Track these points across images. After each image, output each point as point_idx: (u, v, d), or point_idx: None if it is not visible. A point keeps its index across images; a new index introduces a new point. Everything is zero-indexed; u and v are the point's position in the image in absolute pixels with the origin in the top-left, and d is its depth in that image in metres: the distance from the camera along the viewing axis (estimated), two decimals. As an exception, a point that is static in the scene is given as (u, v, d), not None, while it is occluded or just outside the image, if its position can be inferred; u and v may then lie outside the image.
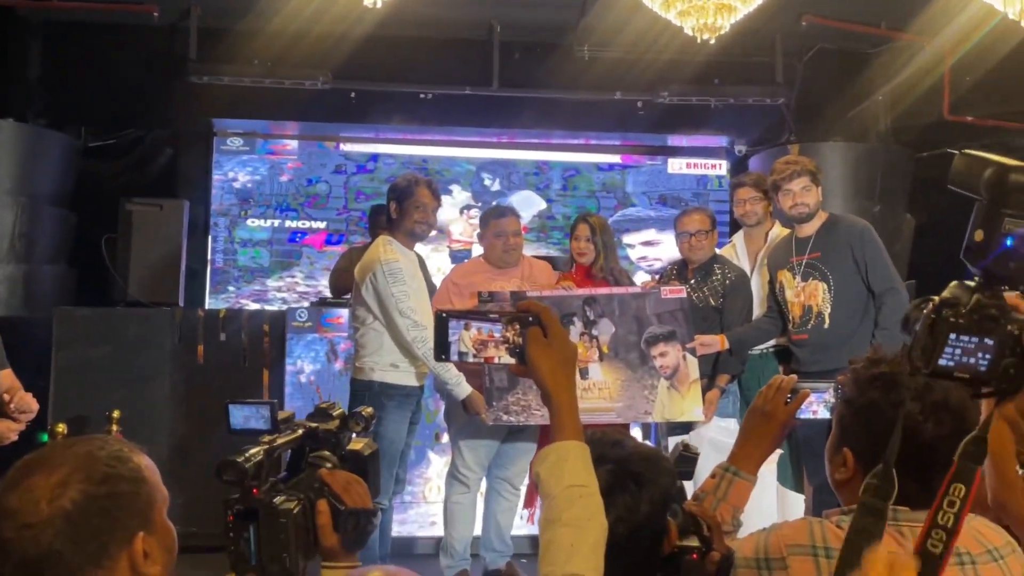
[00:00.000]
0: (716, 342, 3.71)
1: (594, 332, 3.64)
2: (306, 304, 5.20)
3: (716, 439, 3.55)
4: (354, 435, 1.46)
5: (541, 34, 5.58)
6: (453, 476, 3.93)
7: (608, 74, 5.53)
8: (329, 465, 1.35)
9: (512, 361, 1.21)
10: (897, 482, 1.19)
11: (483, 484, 4.05)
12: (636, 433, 4.40)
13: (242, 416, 1.38)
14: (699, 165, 6.23)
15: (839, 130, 5.65)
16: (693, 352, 3.61)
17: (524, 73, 5.58)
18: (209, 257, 5.77)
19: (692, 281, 3.89)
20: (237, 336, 4.69)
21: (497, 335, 1.21)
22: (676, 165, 6.21)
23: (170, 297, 4.85)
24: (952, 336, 0.90)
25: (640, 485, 1.24)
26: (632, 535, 1.21)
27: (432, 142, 6.03)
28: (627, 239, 6.11)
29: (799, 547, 1.35)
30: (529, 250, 5.58)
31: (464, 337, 1.22)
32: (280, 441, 1.33)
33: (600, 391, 3.62)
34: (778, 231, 4.02)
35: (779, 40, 5.60)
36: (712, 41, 4.04)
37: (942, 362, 0.91)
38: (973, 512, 1.42)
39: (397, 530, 4.30)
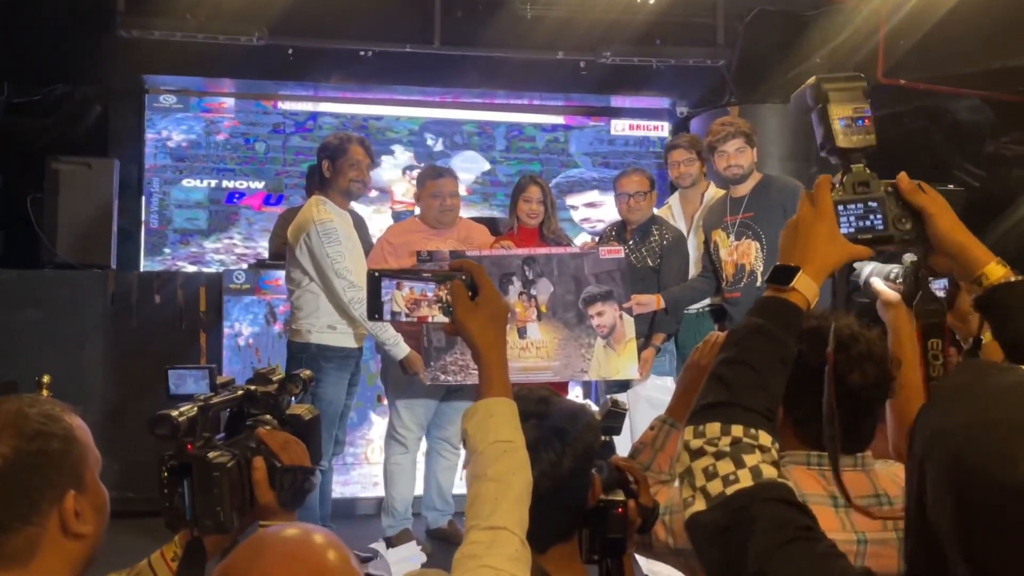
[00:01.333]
0: (652, 302, 3.78)
1: (533, 292, 3.67)
2: (244, 266, 5.11)
3: (653, 396, 3.63)
4: (293, 399, 1.46)
5: (483, -8, 5.51)
6: (391, 436, 3.95)
7: (551, 34, 5.48)
8: (268, 427, 1.35)
9: (446, 320, 1.21)
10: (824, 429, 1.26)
11: (424, 444, 4.08)
12: (577, 391, 4.47)
13: (181, 381, 1.37)
14: (642, 127, 6.26)
15: (778, 92, 5.70)
16: (630, 311, 3.68)
17: (466, 32, 5.50)
18: (143, 218, 5.63)
19: (631, 242, 3.94)
20: (172, 299, 4.61)
21: (430, 294, 1.22)
22: (619, 126, 6.24)
23: (101, 259, 4.72)
24: (840, 208, 1.09)
25: (564, 441, 1.26)
26: (556, 489, 1.24)
27: (373, 101, 5.94)
28: (570, 200, 6.13)
29: None
30: (473, 211, 5.58)
31: (397, 297, 1.22)
32: (216, 400, 1.32)
33: (538, 350, 3.66)
34: (713, 192, 4.09)
35: (720, 2, 5.63)
36: (652, 1, 4.05)
37: (844, 231, 1.10)
38: (889, 459, 1.50)
39: (340, 491, 4.32)
